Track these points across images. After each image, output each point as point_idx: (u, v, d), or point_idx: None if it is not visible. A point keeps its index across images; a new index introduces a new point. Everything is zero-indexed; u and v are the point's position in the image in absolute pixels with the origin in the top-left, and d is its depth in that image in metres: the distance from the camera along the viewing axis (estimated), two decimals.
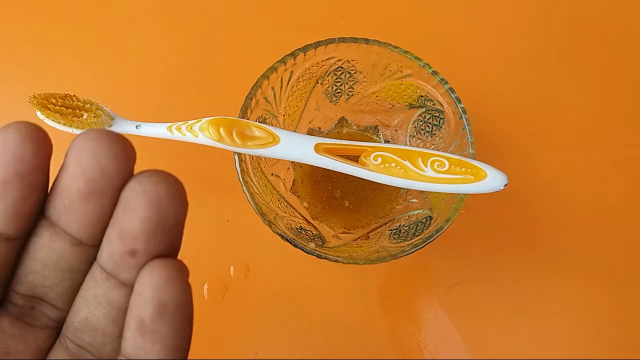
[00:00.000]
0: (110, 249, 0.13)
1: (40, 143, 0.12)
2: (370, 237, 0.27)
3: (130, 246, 0.12)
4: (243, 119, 0.23)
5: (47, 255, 0.13)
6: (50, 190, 0.13)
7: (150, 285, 0.12)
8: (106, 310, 0.13)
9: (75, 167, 0.12)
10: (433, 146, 0.27)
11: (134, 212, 0.12)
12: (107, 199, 0.12)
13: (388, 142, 0.30)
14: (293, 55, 0.25)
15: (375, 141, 0.30)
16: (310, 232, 0.26)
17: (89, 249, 0.13)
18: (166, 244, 0.13)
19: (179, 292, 0.12)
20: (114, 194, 0.12)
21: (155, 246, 0.12)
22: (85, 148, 0.12)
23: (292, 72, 0.26)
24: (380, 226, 0.28)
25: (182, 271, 0.13)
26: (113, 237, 0.13)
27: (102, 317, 0.13)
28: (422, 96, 0.26)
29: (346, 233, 0.28)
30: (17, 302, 0.14)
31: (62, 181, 0.12)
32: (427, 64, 0.25)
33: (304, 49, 0.25)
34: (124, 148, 0.12)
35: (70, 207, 0.12)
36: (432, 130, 0.27)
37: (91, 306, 0.13)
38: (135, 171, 0.13)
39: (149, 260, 0.13)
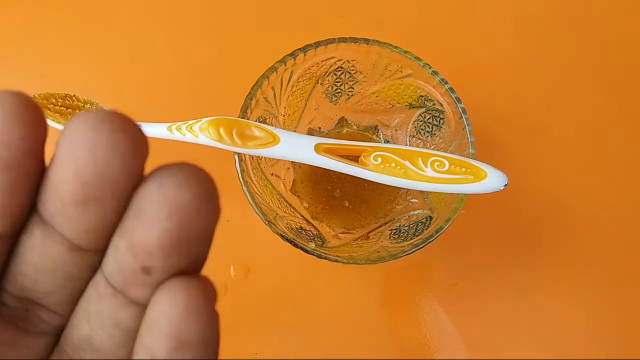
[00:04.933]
0: (119, 263, 0.10)
1: (30, 122, 0.09)
2: (370, 237, 0.27)
3: (143, 263, 0.10)
4: (243, 119, 0.23)
5: (38, 258, 0.11)
6: (42, 183, 0.10)
7: (167, 315, 0.10)
8: (112, 331, 0.11)
9: (67, 167, 0.09)
10: (433, 146, 0.27)
11: (150, 223, 0.09)
12: (109, 205, 0.10)
13: (388, 142, 0.30)
14: (293, 55, 0.25)
15: (375, 141, 0.30)
16: (310, 232, 0.26)
17: (91, 255, 0.11)
18: (189, 259, 0.10)
19: (202, 325, 0.10)
20: (119, 200, 0.10)
21: (176, 262, 0.10)
22: (80, 141, 0.09)
23: (292, 72, 0.26)
24: (380, 226, 0.28)
25: (208, 295, 0.10)
26: (122, 249, 0.10)
27: (107, 339, 0.11)
28: (422, 96, 0.26)
29: (346, 233, 0.28)
30: (8, 303, 0.11)
31: (52, 178, 0.10)
32: (427, 64, 0.25)
33: (304, 49, 0.25)
34: (131, 138, 0.09)
35: (63, 211, 0.10)
36: (432, 130, 0.27)
37: (93, 324, 0.11)
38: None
39: (167, 278, 0.10)
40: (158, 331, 0.10)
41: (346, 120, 0.30)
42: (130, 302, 0.11)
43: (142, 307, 0.11)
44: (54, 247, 0.10)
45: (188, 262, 0.10)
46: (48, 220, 0.10)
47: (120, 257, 0.10)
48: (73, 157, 0.09)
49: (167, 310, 0.10)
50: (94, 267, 0.11)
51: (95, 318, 0.11)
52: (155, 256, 0.10)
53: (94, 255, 0.11)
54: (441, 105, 0.25)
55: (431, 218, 0.25)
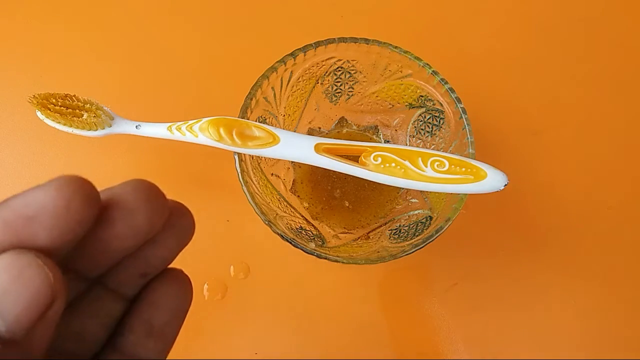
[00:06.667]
0: (124, 274, 0.14)
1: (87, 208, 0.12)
2: (370, 237, 0.27)
3: (144, 271, 0.14)
4: (243, 119, 0.23)
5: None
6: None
7: (170, 295, 0.15)
8: (103, 320, 0.14)
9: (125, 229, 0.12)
10: (433, 146, 0.27)
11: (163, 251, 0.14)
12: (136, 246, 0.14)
13: (388, 142, 0.30)
14: (293, 55, 0.25)
15: (375, 141, 0.30)
16: (310, 232, 0.26)
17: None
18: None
19: (188, 301, 0.15)
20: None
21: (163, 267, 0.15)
22: (137, 208, 0.12)
23: (292, 72, 0.26)
24: (380, 226, 0.28)
25: (186, 278, 0.15)
26: (130, 267, 0.14)
27: (96, 326, 0.14)
28: (422, 96, 0.26)
29: (346, 233, 0.28)
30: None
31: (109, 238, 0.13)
32: (427, 64, 0.25)
33: (304, 49, 0.25)
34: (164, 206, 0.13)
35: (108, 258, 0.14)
36: (432, 130, 0.27)
37: (86, 319, 0.14)
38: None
39: (154, 276, 0.15)
40: (164, 310, 0.14)
41: (346, 120, 0.30)
42: (120, 297, 0.14)
43: (128, 299, 0.15)
44: (71, 284, 0.13)
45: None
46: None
47: (127, 271, 0.14)
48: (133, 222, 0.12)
49: (171, 295, 0.15)
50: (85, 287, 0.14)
51: (91, 314, 0.14)
52: (156, 267, 0.14)
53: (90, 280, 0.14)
54: (441, 105, 0.25)
55: (431, 218, 0.25)
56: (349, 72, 0.27)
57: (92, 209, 0.11)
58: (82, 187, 0.11)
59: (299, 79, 0.26)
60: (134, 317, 0.14)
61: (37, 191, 0.10)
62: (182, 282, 0.15)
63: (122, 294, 0.15)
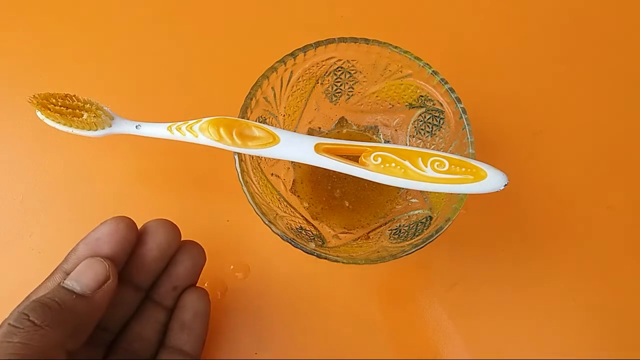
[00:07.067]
0: (163, 288, 0.23)
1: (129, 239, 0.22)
2: (370, 237, 0.27)
3: (174, 284, 0.23)
4: (243, 119, 0.23)
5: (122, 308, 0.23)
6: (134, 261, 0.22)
7: (194, 302, 0.24)
8: (154, 325, 0.23)
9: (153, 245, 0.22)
10: (433, 146, 0.27)
11: (183, 269, 0.24)
12: (165, 261, 0.24)
13: (388, 142, 0.30)
14: (293, 55, 0.25)
15: (375, 141, 0.30)
16: (310, 232, 0.26)
17: (143, 292, 0.23)
18: (194, 281, 0.25)
19: (206, 305, 0.24)
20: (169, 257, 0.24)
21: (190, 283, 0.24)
22: (161, 232, 0.23)
23: (292, 72, 0.26)
24: (380, 226, 0.28)
25: (206, 293, 0.24)
26: (165, 282, 0.24)
27: (151, 329, 0.23)
28: (422, 96, 0.26)
29: (346, 233, 0.28)
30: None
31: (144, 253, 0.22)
32: (427, 64, 0.25)
33: (304, 49, 0.25)
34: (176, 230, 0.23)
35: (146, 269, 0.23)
36: (432, 130, 0.27)
37: (143, 324, 0.23)
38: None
39: (184, 290, 0.24)
40: (189, 310, 0.23)
41: (346, 120, 0.30)
42: (163, 307, 0.23)
43: (168, 309, 0.24)
44: (130, 294, 0.23)
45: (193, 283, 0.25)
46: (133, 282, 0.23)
47: (164, 285, 0.23)
48: (157, 240, 0.23)
49: (193, 300, 0.24)
50: (140, 299, 0.23)
51: (145, 321, 0.23)
52: (182, 281, 0.24)
53: (143, 292, 0.23)
54: (441, 105, 0.25)
55: (431, 218, 0.25)
56: (349, 72, 0.27)
57: (132, 234, 0.21)
58: (127, 223, 0.21)
59: (299, 79, 0.26)
60: (172, 319, 0.23)
61: (102, 225, 0.21)
62: (202, 292, 0.24)
63: (164, 305, 0.23)
